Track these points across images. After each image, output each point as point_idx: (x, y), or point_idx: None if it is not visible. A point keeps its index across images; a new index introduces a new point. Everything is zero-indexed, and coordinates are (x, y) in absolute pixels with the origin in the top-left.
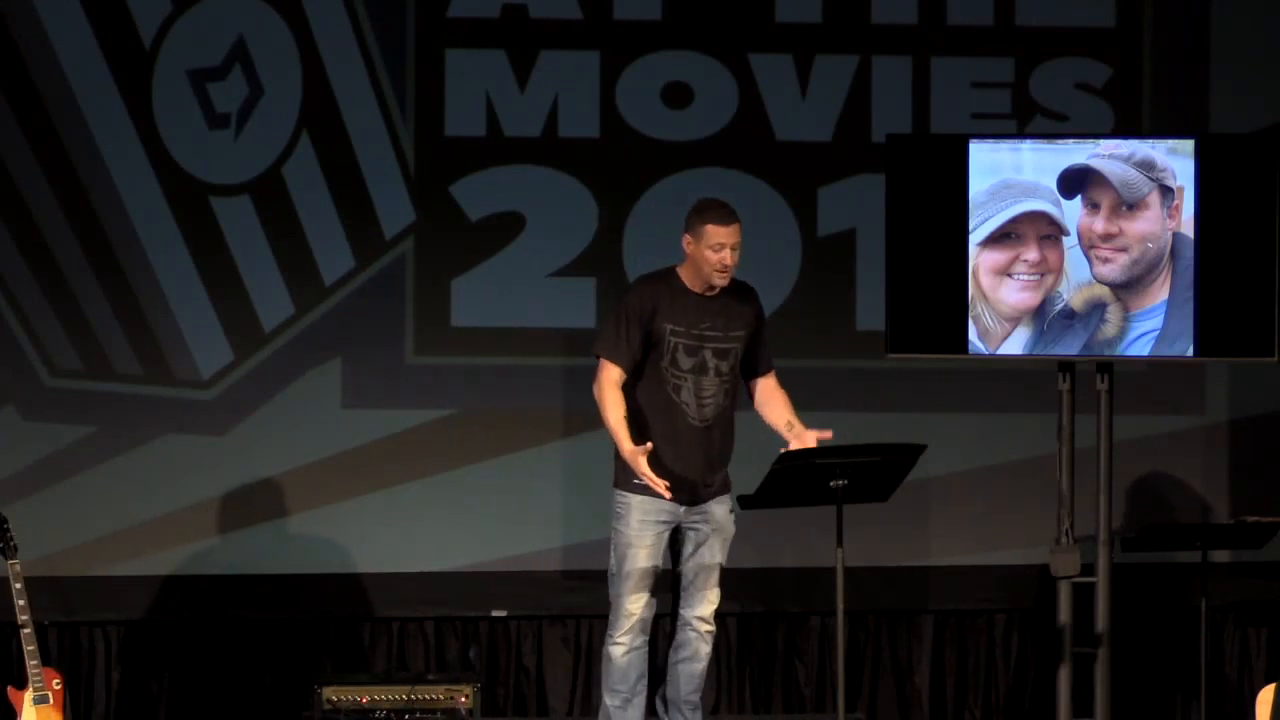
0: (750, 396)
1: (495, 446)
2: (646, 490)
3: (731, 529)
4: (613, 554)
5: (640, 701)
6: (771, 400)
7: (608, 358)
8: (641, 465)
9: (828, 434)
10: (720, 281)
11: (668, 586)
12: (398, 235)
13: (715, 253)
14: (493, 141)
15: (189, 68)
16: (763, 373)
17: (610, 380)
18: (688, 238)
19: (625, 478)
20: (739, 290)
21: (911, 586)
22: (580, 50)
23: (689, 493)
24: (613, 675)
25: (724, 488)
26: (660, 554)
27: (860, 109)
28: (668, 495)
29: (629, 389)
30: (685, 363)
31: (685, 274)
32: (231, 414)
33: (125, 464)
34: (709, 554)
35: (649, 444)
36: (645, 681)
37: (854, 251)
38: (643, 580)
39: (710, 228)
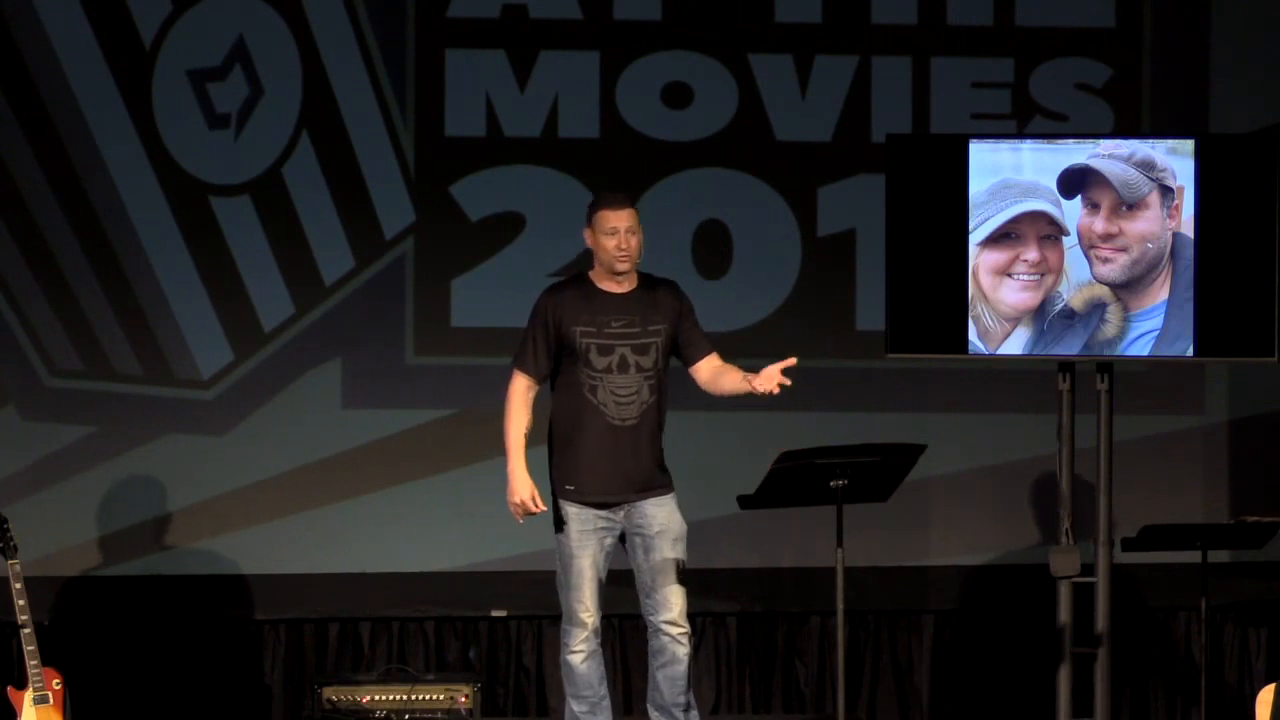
0: (700, 385)
1: (495, 446)
2: (580, 498)
3: (678, 528)
4: (558, 563)
5: (607, 704)
6: (720, 374)
7: (517, 367)
8: (517, 508)
9: (790, 361)
10: (622, 267)
11: (628, 584)
12: (398, 235)
13: (610, 237)
14: (493, 141)
15: (189, 68)
16: (700, 356)
17: (517, 391)
18: (587, 232)
19: (558, 485)
20: (657, 284)
21: (911, 586)
22: (580, 50)
23: (617, 494)
24: (577, 683)
25: (661, 487)
26: (605, 560)
27: (860, 109)
28: (539, 509)
29: (555, 396)
30: (599, 362)
31: (595, 274)
32: (231, 414)
33: (125, 464)
34: (659, 557)
35: (538, 503)
36: (606, 684)
37: (854, 251)
38: (589, 589)
39: (603, 213)
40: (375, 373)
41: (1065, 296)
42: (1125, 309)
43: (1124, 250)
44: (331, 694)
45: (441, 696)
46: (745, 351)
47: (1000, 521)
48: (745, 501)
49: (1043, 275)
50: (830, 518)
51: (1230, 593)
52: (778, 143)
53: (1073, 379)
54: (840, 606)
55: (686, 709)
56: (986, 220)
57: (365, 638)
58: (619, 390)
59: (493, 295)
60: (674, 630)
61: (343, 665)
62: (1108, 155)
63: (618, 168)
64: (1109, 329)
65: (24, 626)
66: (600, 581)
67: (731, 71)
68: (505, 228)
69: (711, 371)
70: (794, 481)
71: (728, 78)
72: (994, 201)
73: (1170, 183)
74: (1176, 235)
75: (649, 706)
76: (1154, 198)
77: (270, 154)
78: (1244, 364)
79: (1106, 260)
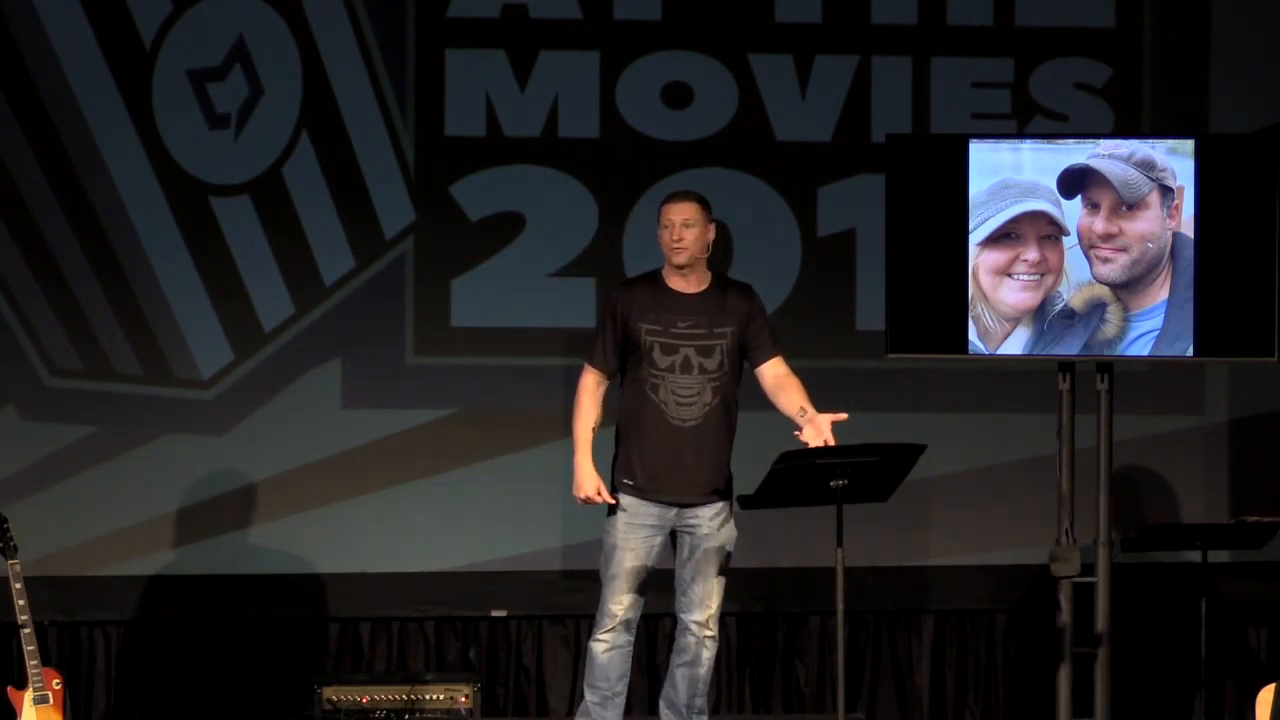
0: (763, 389)
1: (495, 446)
2: (636, 492)
3: (725, 535)
4: (603, 553)
5: (620, 701)
6: (783, 388)
7: (588, 362)
8: (584, 503)
9: (841, 415)
10: (677, 259)
11: (665, 587)
12: (398, 235)
13: (665, 230)
14: (493, 141)
15: (189, 68)
16: (764, 359)
17: (586, 386)
18: (658, 230)
19: (616, 478)
20: (729, 286)
21: (911, 586)
22: (580, 50)
23: (671, 494)
24: (594, 672)
25: (717, 493)
26: (650, 556)
27: (860, 109)
28: (605, 500)
29: (622, 391)
30: (662, 361)
31: (666, 271)
32: (231, 414)
33: (125, 464)
34: (703, 560)
35: (605, 495)
36: (626, 681)
37: (854, 251)
38: (627, 582)
39: (662, 207)
40: (375, 373)
41: (1065, 296)
42: (1125, 309)
43: (1124, 250)
44: (331, 694)
45: (441, 696)
46: None
47: (1000, 521)
48: (745, 501)
49: (1043, 275)
50: (830, 518)
51: (1230, 593)
52: (778, 143)
53: (1073, 379)
54: (840, 606)
55: (699, 714)
56: (986, 220)
57: (365, 638)
58: (680, 390)
59: (493, 295)
60: (702, 632)
61: (343, 665)
62: (1108, 155)
63: (618, 168)
64: (1109, 329)
65: (24, 626)
66: (641, 579)
67: (731, 71)
68: (505, 228)
69: (774, 381)
70: (794, 481)
71: (728, 78)
72: (994, 201)
73: (1170, 183)
74: (1176, 235)
75: (661, 703)
76: (1154, 198)
77: (270, 154)
78: (1244, 364)
79: (1106, 260)
